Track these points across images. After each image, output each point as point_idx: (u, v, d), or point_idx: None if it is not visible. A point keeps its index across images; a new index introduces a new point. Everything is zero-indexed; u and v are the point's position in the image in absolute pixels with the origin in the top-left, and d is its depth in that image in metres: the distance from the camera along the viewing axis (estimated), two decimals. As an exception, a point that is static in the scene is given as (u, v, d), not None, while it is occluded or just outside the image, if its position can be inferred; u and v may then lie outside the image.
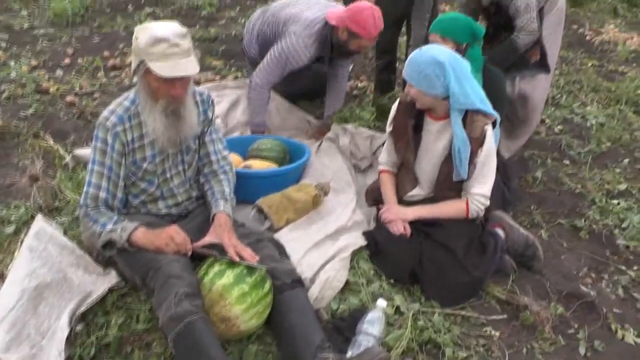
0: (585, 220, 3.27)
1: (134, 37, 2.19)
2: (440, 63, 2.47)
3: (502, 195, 3.12)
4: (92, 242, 2.29)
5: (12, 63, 5.10)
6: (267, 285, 2.17)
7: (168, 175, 2.44)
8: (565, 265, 2.91)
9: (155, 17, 6.72)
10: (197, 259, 2.27)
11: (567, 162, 3.99)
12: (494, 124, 2.62)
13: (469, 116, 2.55)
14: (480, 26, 3.10)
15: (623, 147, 4.23)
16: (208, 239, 2.29)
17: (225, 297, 2.07)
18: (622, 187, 3.65)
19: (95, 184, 2.26)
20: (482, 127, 2.54)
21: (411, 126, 2.71)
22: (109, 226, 2.21)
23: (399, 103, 2.79)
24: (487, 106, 2.59)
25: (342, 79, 3.97)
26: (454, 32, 2.99)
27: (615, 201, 3.49)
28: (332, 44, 3.46)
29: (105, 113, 2.30)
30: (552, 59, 3.79)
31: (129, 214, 2.41)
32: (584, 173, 3.81)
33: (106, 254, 2.29)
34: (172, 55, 2.11)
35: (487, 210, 2.75)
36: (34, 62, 5.11)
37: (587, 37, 7.32)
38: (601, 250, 3.07)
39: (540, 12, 3.53)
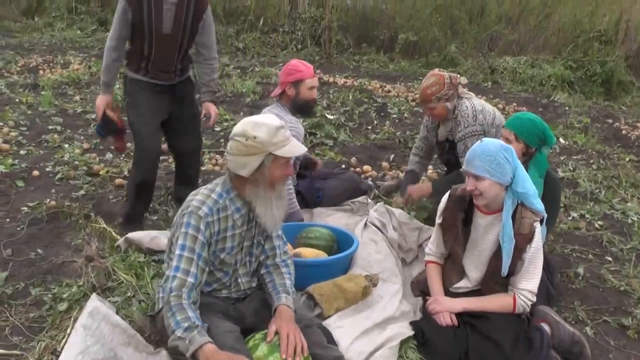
0: (632, 319, 3.20)
1: (246, 139, 2.29)
2: (507, 148, 2.60)
3: (546, 290, 3.09)
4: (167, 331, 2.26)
5: (66, 146, 5.33)
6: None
7: (237, 266, 2.54)
8: (614, 364, 2.84)
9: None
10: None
11: (609, 258, 3.94)
12: (541, 222, 2.67)
13: (518, 212, 2.62)
14: (552, 134, 3.21)
15: (667, 246, 4.15)
16: (272, 329, 2.30)
17: None
18: (669, 286, 3.55)
19: (184, 270, 2.27)
20: (531, 224, 2.59)
21: (461, 219, 2.76)
22: (179, 332, 2.14)
23: (449, 196, 2.85)
24: (537, 199, 2.65)
25: None
26: (528, 135, 3.12)
27: (664, 301, 3.39)
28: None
29: (195, 203, 2.37)
30: None
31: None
32: (628, 270, 3.75)
33: (136, 313, 2.36)
34: (289, 137, 2.37)
35: (532, 304, 2.75)
36: (85, 145, 5.33)
37: (623, 132, 7.39)
38: (651, 351, 2.97)
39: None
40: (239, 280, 2.56)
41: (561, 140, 6.85)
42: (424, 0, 12.11)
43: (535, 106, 8.52)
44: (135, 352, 2.30)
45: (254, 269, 2.62)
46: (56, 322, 2.69)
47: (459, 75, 3.91)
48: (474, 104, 3.82)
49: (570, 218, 4.56)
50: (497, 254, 2.65)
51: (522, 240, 2.58)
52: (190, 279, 2.26)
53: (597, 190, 5.18)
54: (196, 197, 2.40)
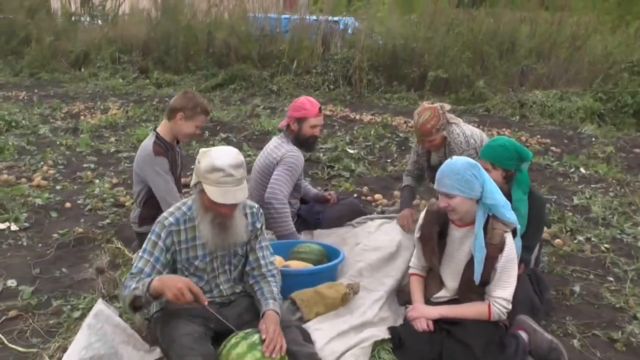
0: (622, 333, 3.24)
1: (197, 159, 2.57)
2: (474, 165, 2.79)
3: (530, 302, 3.20)
4: (125, 308, 2.58)
5: (97, 181, 5.78)
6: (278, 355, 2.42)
7: (216, 272, 2.80)
8: (595, 374, 2.91)
9: (229, 142, 7.37)
10: (224, 334, 2.57)
11: (610, 278, 3.98)
12: (514, 233, 2.84)
13: (490, 223, 2.80)
14: (527, 150, 3.35)
15: (678, 268, 4.14)
16: (262, 329, 2.51)
17: None
18: (670, 304, 3.56)
19: (139, 268, 2.57)
20: (502, 234, 2.78)
21: (436, 233, 2.96)
22: (133, 285, 2.46)
23: (426, 212, 3.06)
24: (509, 210, 2.82)
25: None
26: (503, 160, 3.28)
27: (662, 318, 3.40)
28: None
29: (165, 214, 2.69)
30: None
31: None
32: (628, 289, 3.78)
33: (136, 317, 2.62)
34: (224, 184, 2.46)
35: (513, 314, 2.90)
36: (114, 180, 5.77)
37: (651, 159, 7.35)
38: (637, 362, 3.01)
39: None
40: (221, 287, 2.82)
41: (582, 169, 6.89)
42: (453, 38, 12.31)
43: (560, 138, 8.57)
44: (134, 350, 2.58)
45: (235, 276, 2.87)
46: (71, 327, 3.02)
47: (443, 104, 4.04)
48: (463, 129, 3.95)
49: (575, 241, 4.61)
50: (470, 264, 2.83)
51: (493, 250, 2.76)
52: (143, 276, 2.55)
53: (610, 216, 5.20)
54: (169, 210, 2.71)
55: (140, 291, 2.41)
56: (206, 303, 2.45)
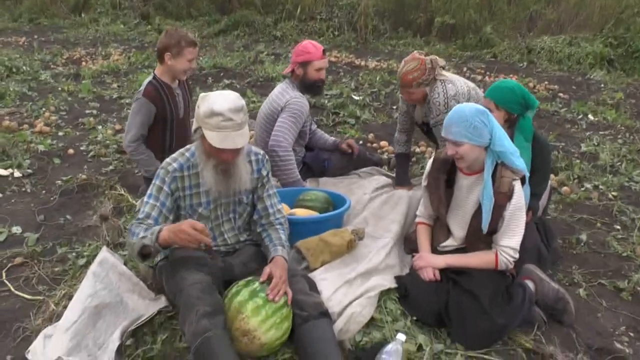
0: (628, 282, 3.23)
1: (196, 104, 2.48)
2: (483, 112, 2.70)
3: (537, 251, 3.18)
4: (132, 255, 2.52)
5: (99, 127, 5.74)
6: (282, 299, 2.40)
7: (220, 220, 2.76)
8: (601, 323, 2.90)
9: (233, 88, 7.28)
10: (231, 284, 2.54)
11: (617, 227, 3.96)
12: (522, 181, 2.79)
13: (498, 171, 2.74)
14: (534, 98, 3.26)
15: (689, 214, 4.09)
16: (266, 271, 2.49)
17: (241, 312, 2.32)
18: (678, 252, 3.54)
19: (147, 213, 2.53)
20: (510, 182, 2.71)
21: (444, 181, 2.91)
22: (142, 234, 2.39)
23: (434, 160, 3.00)
24: (518, 157, 2.77)
25: (317, 131, 4.42)
26: (508, 102, 3.18)
27: (669, 266, 3.38)
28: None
29: (168, 159, 2.63)
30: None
31: (181, 248, 2.64)
32: (635, 238, 3.76)
33: (145, 263, 2.59)
34: (224, 128, 2.37)
35: (519, 263, 2.87)
36: (117, 127, 5.72)
37: (661, 105, 7.25)
38: (643, 311, 3.01)
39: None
40: (225, 235, 2.79)
41: (590, 116, 6.81)
42: (460, -17, 12.05)
43: (568, 84, 8.44)
44: (140, 299, 2.57)
45: (240, 225, 2.83)
46: (76, 274, 3.03)
47: (437, 58, 3.81)
48: (447, 89, 3.71)
49: (583, 189, 4.58)
50: (478, 213, 2.78)
51: (502, 198, 2.71)
52: (150, 221, 2.51)
53: (619, 164, 5.16)
54: (172, 155, 2.66)
55: (149, 240, 2.36)
56: (210, 242, 2.39)
